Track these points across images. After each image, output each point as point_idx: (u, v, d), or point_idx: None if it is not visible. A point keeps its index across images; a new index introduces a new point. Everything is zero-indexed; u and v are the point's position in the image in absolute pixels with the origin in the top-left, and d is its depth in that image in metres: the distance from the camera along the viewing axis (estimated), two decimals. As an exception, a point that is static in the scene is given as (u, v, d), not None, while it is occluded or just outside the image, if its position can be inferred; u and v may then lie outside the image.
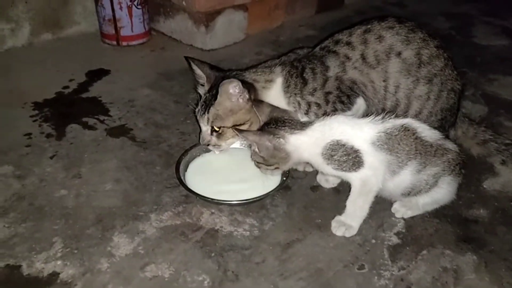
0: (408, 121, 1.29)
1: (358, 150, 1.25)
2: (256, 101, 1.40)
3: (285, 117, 1.31)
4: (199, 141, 1.54)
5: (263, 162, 1.32)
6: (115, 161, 1.60)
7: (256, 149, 1.29)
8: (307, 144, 1.27)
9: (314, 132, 1.27)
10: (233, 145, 1.55)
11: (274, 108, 1.37)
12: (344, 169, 1.26)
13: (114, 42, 2.40)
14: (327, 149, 1.25)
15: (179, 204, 1.43)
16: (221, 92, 1.40)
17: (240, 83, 1.39)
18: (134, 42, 2.41)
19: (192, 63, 1.53)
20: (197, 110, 1.50)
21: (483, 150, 1.61)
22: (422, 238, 1.35)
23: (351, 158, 1.25)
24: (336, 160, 1.25)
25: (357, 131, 1.27)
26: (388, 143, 1.26)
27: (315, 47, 1.55)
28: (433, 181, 1.30)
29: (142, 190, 1.48)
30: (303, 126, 1.29)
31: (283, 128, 1.28)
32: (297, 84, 1.47)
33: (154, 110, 1.88)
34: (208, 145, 1.50)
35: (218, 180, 1.48)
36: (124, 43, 2.40)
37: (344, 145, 1.25)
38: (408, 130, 1.27)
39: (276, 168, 1.33)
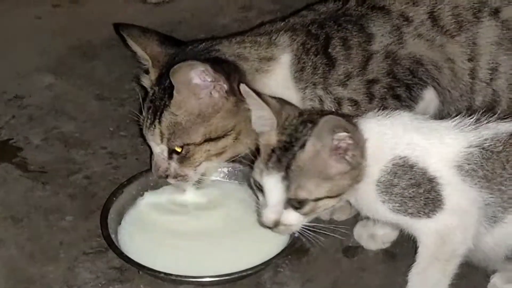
0: None
1: (434, 177, 1.23)
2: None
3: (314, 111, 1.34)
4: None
5: (330, 193, 1.25)
6: (-9, 206, 1.58)
7: (349, 158, 1.23)
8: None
9: (369, 131, 1.27)
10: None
11: (280, 100, 1.35)
12: (409, 211, 1.24)
13: (-12, -10, 2.33)
14: (388, 173, 1.24)
15: (109, 284, 1.41)
16: (177, 85, 1.40)
17: (208, 66, 1.37)
18: (23, -10, 2.35)
19: (127, 38, 1.53)
20: (142, 118, 1.50)
21: None
22: None
23: (422, 192, 1.23)
24: (398, 193, 1.24)
25: (434, 142, 1.26)
26: (486, 166, 1.24)
27: (348, 1, 1.54)
28: None
29: (41, 259, 1.45)
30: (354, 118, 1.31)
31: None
32: (317, 66, 1.47)
33: (62, 113, 1.84)
34: (166, 177, 1.48)
35: (176, 240, 1.47)
36: (6, -8, 2.33)
37: (412, 166, 1.23)
38: None
39: (340, 199, 1.30)
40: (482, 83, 1.46)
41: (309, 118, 1.28)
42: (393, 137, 1.26)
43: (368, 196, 1.27)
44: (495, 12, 1.43)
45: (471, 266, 1.34)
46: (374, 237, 1.47)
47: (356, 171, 1.25)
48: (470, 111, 1.36)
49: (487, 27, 1.43)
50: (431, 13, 1.44)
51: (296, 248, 1.45)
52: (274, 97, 1.34)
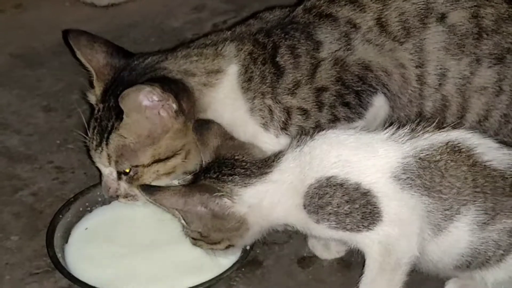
0: (459, 135, 1.29)
1: (369, 191, 1.25)
2: (198, 124, 1.40)
3: (236, 156, 1.34)
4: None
5: (202, 238, 1.33)
6: None
7: (183, 221, 1.31)
8: (276, 196, 1.29)
9: (285, 173, 1.30)
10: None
11: (226, 138, 1.38)
12: (348, 227, 1.26)
13: None
14: (312, 196, 1.26)
15: (56, 305, 1.42)
16: (126, 109, 1.40)
17: (156, 86, 1.37)
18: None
19: (74, 47, 1.51)
20: (88, 139, 1.49)
21: None
22: None
23: (358, 206, 1.25)
24: (331, 213, 1.25)
25: (365, 155, 1.27)
26: (424, 176, 1.26)
27: (295, 7, 1.55)
28: (511, 242, 1.29)
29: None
30: (265, 167, 1.32)
31: (229, 177, 1.30)
32: (265, 75, 1.46)
33: (5, 126, 1.84)
34: (117, 197, 1.50)
35: (125, 257, 1.47)
36: None
37: (342, 184, 1.25)
38: (459, 151, 1.27)
39: (228, 246, 1.35)
40: (430, 88, 1.47)
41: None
42: (314, 159, 1.27)
43: (301, 220, 1.29)
44: (442, 18, 1.44)
45: (424, 274, 1.36)
46: (328, 246, 1.47)
47: (220, 233, 1.30)
48: (418, 117, 1.41)
49: (434, 33, 1.45)
50: (378, 19, 1.45)
51: (249, 260, 1.45)
52: (222, 131, 1.37)
